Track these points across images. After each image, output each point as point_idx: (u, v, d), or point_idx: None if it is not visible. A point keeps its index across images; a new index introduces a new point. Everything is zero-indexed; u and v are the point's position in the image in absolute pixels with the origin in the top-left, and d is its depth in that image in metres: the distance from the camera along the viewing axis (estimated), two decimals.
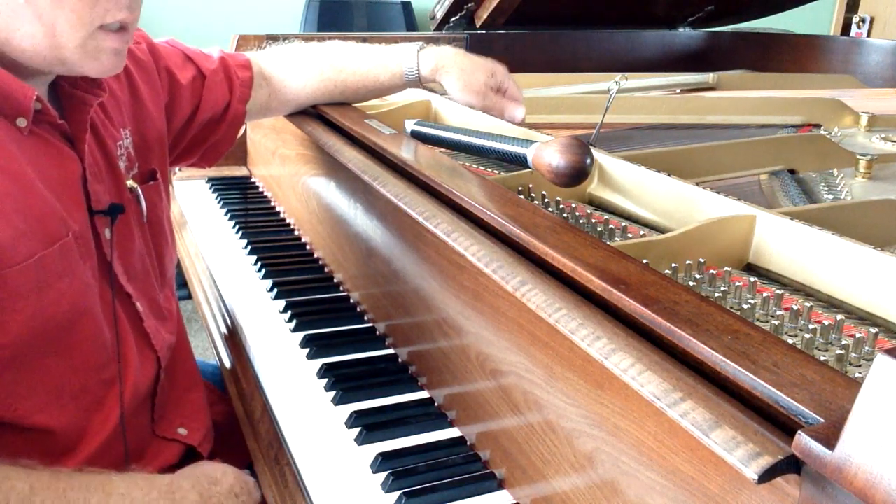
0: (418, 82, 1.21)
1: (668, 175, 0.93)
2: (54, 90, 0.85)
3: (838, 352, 0.63)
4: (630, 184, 0.97)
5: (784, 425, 0.46)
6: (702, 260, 0.78)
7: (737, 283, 0.74)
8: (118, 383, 0.87)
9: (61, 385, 0.81)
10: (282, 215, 1.55)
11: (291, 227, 1.49)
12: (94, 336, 0.83)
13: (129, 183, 0.92)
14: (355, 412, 0.90)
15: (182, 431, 0.99)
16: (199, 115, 1.11)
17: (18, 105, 0.76)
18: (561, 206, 0.96)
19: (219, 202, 1.63)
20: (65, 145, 0.83)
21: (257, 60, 1.20)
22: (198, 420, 1.01)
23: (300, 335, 1.07)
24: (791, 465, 0.44)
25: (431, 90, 1.53)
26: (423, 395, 0.95)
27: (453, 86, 1.17)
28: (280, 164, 1.53)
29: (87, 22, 0.75)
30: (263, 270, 1.29)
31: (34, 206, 0.76)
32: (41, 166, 0.79)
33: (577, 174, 0.85)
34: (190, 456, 1.01)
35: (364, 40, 1.87)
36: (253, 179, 1.76)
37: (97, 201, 0.85)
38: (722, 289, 0.74)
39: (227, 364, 1.15)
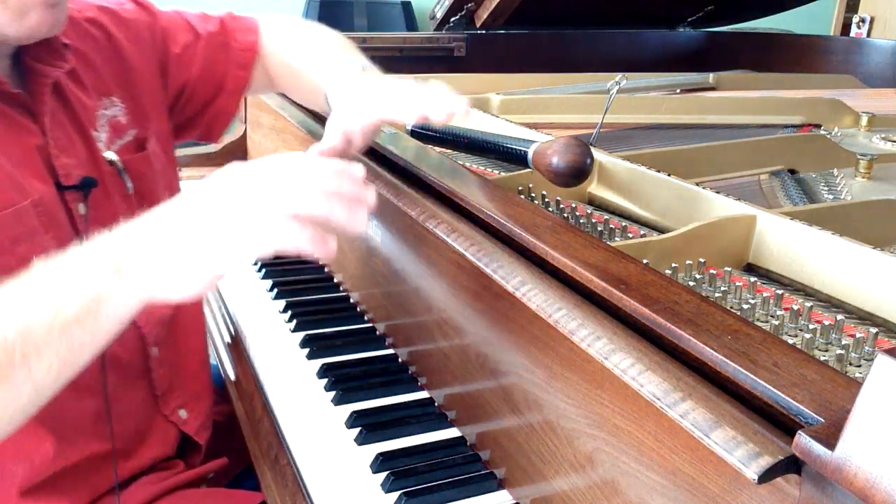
0: None
1: (668, 175, 0.93)
2: (18, 65, 0.82)
3: (838, 352, 0.63)
4: (630, 184, 0.97)
5: (784, 425, 0.46)
6: (702, 260, 0.78)
7: (737, 283, 0.74)
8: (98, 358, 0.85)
9: None
10: None
11: None
12: None
13: (108, 155, 0.89)
14: (355, 412, 0.89)
15: (182, 414, 0.98)
16: (196, 80, 1.05)
17: None
18: (561, 206, 0.96)
19: None
20: (24, 118, 0.80)
21: (262, 30, 1.10)
22: (199, 405, 1.00)
23: (300, 335, 1.07)
24: (791, 465, 0.44)
25: None
26: (423, 395, 0.95)
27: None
28: None
29: None
30: (263, 270, 1.29)
31: None
32: None
33: (577, 174, 0.85)
34: (186, 445, 1.01)
35: (364, 41, 1.87)
36: None
37: (66, 175, 0.82)
38: (722, 289, 0.74)
39: (227, 364, 1.15)
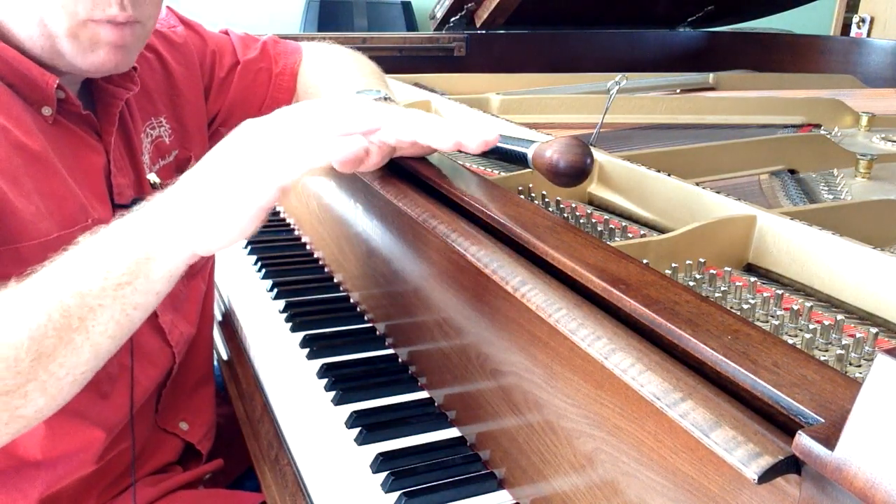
0: None
1: (668, 175, 0.93)
2: (88, 85, 0.85)
3: (838, 352, 0.63)
4: (630, 184, 0.97)
5: (784, 425, 0.46)
6: (702, 260, 0.78)
7: (737, 283, 0.74)
8: (129, 377, 0.86)
9: None
10: (282, 215, 1.55)
11: (291, 227, 1.49)
12: None
13: (151, 177, 0.91)
14: (355, 412, 0.89)
15: (183, 426, 0.98)
16: (229, 106, 1.08)
17: (41, 92, 0.76)
18: (561, 206, 0.96)
19: None
20: (91, 137, 0.83)
21: (305, 57, 1.12)
22: (201, 417, 1.01)
23: (300, 335, 1.07)
24: (791, 465, 0.44)
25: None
26: (423, 395, 0.95)
27: None
28: None
29: (70, 12, 0.72)
30: (263, 270, 1.29)
31: (54, 188, 0.76)
32: (65, 155, 0.79)
33: (577, 174, 0.85)
34: (189, 454, 1.01)
35: (364, 41, 1.87)
36: None
37: (119, 194, 0.84)
38: (722, 289, 0.74)
39: (227, 364, 1.15)
